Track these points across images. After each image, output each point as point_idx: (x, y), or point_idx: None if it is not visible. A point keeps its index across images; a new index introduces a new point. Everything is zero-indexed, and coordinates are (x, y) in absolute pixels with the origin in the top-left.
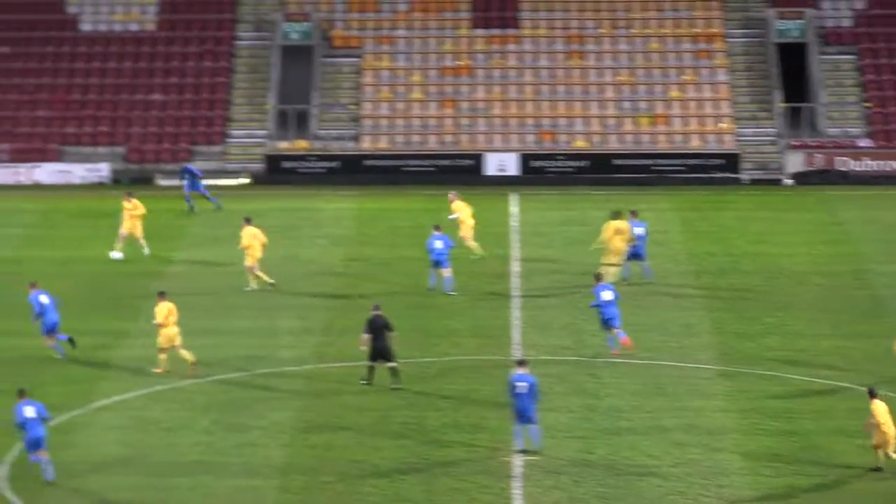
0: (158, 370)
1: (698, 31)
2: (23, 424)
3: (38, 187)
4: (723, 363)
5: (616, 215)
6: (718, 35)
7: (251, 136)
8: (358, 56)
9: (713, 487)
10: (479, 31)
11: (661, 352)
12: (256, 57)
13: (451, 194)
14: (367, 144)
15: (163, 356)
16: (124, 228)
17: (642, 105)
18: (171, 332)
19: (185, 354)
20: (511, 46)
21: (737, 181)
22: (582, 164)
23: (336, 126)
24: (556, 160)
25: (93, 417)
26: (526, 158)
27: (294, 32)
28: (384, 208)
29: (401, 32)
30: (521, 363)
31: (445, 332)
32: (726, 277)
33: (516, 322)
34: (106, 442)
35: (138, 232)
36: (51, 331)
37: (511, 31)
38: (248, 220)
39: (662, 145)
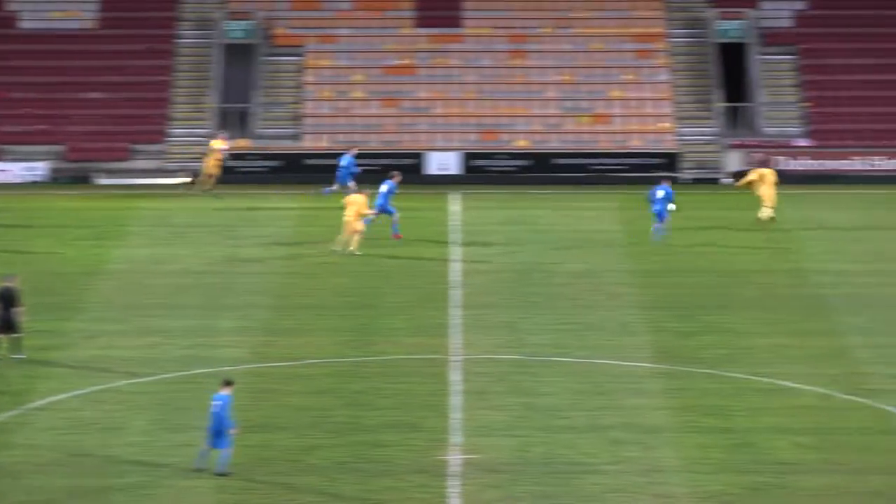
0: None
1: (640, 30)
2: None
3: None
4: (660, 362)
5: None
6: (660, 35)
7: (192, 134)
8: (300, 55)
9: (649, 485)
10: (422, 31)
11: (599, 350)
12: (198, 55)
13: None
14: (308, 143)
15: None
16: None
17: (584, 104)
18: None
19: None
20: (453, 46)
21: (676, 180)
22: (523, 163)
23: (277, 125)
24: (497, 159)
25: (29, 418)
26: (467, 157)
27: (236, 31)
28: (325, 207)
29: (343, 31)
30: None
31: (384, 330)
32: (665, 276)
33: (456, 321)
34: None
35: None
36: None
37: (453, 31)
38: None
39: (603, 145)
